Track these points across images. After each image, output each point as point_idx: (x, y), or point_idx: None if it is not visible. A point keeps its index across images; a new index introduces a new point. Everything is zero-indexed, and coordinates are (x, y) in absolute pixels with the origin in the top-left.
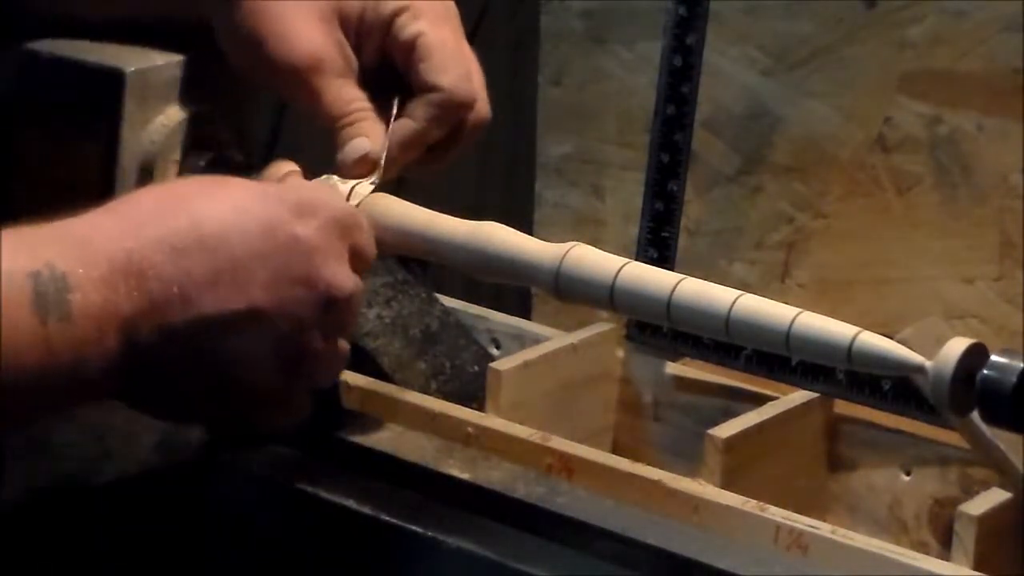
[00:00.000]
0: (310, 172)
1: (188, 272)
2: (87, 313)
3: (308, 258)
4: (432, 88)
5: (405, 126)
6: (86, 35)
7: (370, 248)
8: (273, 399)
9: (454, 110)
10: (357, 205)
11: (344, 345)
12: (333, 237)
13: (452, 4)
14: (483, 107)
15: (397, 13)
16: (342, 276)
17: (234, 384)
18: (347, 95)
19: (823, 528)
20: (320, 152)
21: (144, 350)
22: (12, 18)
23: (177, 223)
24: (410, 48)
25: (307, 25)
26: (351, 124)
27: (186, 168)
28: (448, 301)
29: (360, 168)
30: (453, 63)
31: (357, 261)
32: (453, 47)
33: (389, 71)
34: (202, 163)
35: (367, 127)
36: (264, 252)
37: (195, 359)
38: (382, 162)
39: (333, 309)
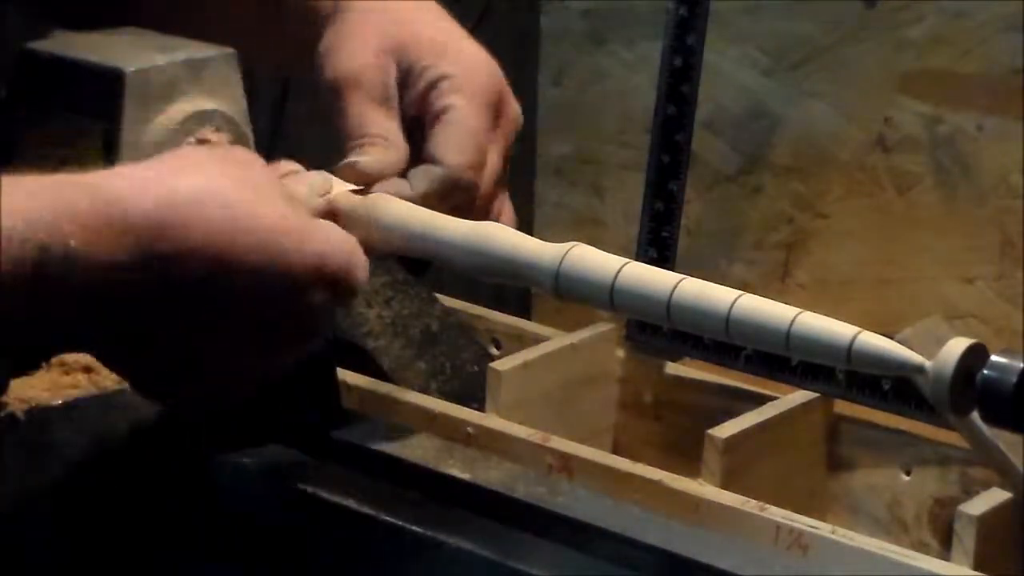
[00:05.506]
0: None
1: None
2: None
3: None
4: (436, 162)
5: (398, 186)
6: None
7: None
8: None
9: (452, 189)
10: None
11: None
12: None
13: (499, 82)
14: (500, 204)
15: (440, 79)
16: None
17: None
18: (371, 120)
19: (823, 528)
20: (320, 152)
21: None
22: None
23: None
24: (436, 118)
25: (362, 49)
26: (360, 146)
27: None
28: (448, 301)
29: (345, 174)
30: (468, 145)
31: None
32: (475, 128)
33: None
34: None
35: (375, 151)
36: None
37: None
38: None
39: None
